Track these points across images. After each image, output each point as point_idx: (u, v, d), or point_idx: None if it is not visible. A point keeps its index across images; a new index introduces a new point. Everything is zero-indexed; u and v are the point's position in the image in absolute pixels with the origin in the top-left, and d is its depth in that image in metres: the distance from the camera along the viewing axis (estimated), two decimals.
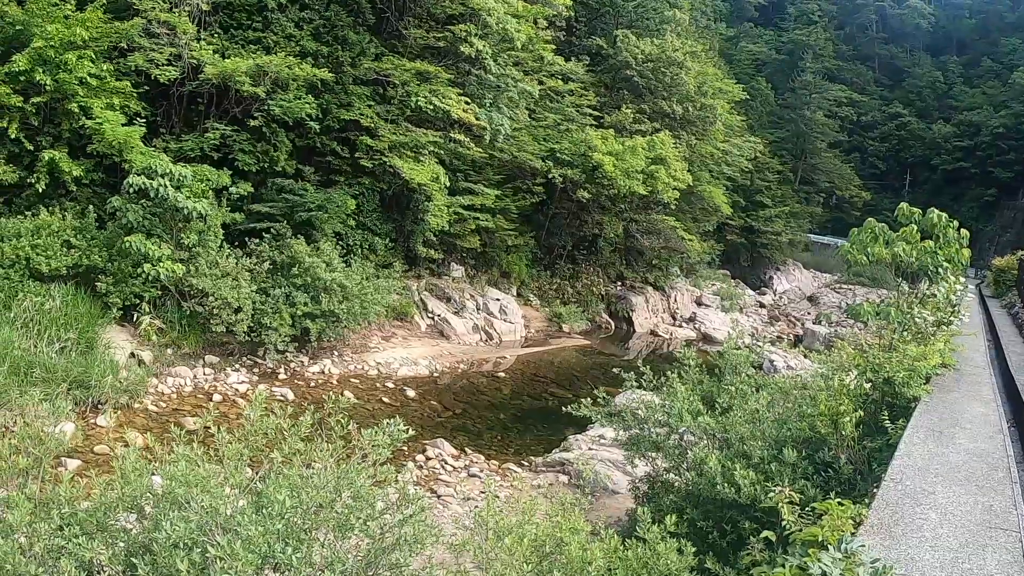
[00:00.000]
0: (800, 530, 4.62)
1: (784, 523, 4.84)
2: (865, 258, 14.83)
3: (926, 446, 6.68)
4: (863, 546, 3.82)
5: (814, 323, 40.08)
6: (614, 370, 11.42)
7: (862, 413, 7.25)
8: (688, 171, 33.65)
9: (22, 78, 17.56)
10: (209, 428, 5.63)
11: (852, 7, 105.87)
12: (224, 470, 5.24)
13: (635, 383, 10.34)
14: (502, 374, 23.87)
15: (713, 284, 43.01)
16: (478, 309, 27.44)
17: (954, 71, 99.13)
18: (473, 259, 29.08)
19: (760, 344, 32.21)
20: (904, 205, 15.37)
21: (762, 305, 46.89)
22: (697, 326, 35.82)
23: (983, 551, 4.44)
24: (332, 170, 23.83)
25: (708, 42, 56.68)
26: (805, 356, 24.46)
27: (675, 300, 37.53)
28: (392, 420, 5.81)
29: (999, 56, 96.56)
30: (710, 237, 43.54)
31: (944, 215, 14.88)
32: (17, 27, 18.23)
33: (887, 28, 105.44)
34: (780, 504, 5.03)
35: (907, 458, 6.24)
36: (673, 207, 34.09)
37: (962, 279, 14.82)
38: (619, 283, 35.21)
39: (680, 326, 35.62)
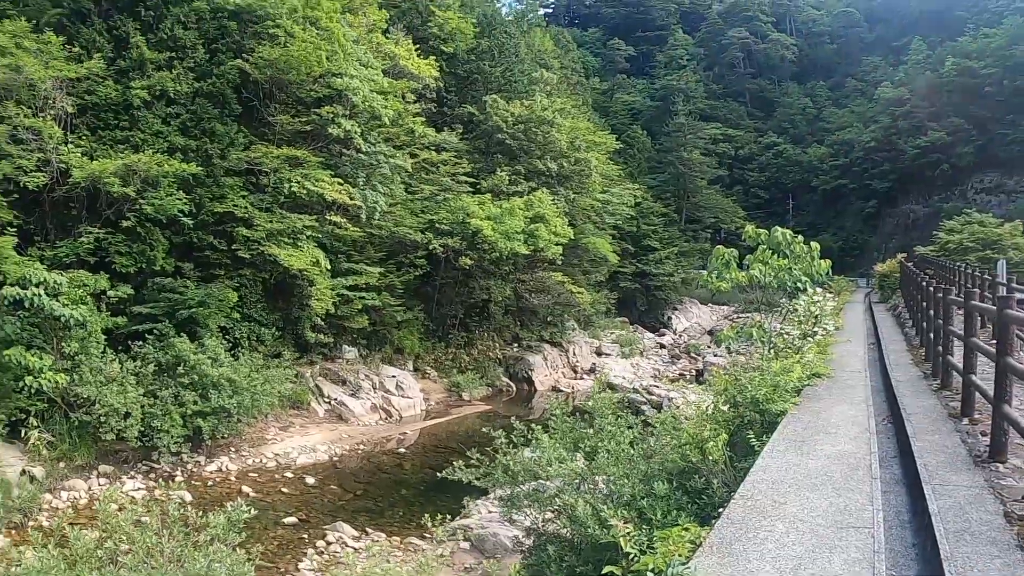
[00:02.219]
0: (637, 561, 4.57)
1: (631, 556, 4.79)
2: (725, 284, 15.23)
3: (784, 457, 6.71)
4: (689, 569, 3.78)
5: (714, 356, 40.86)
6: (481, 429, 11.41)
7: (727, 436, 7.32)
8: (570, 225, 34.22)
9: None
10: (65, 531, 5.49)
11: (718, 47, 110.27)
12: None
13: (504, 440, 10.35)
14: (403, 450, 23.58)
15: (612, 333, 43.50)
16: (374, 388, 27.12)
17: (822, 95, 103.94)
18: (364, 339, 28.79)
19: (657, 385, 33.03)
20: (750, 227, 15.89)
21: (662, 346, 47.54)
22: (598, 376, 36.03)
23: (831, 552, 4.42)
24: (212, 264, 23.40)
25: (581, 97, 58.22)
26: (705, 390, 24.86)
27: (574, 354, 37.80)
28: (242, 507, 5.66)
29: (862, 75, 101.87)
30: (603, 287, 44.14)
31: (788, 232, 15.43)
32: None
33: (754, 63, 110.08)
34: (618, 537, 5.00)
35: (762, 472, 6.23)
36: (559, 262, 34.51)
37: (818, 290, 15.34)
38: (515, 344, 35.30)
39: (581, 378, 35.82)
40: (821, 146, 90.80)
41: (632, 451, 9.06)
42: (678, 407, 23.15)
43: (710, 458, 7.04)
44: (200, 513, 9.38)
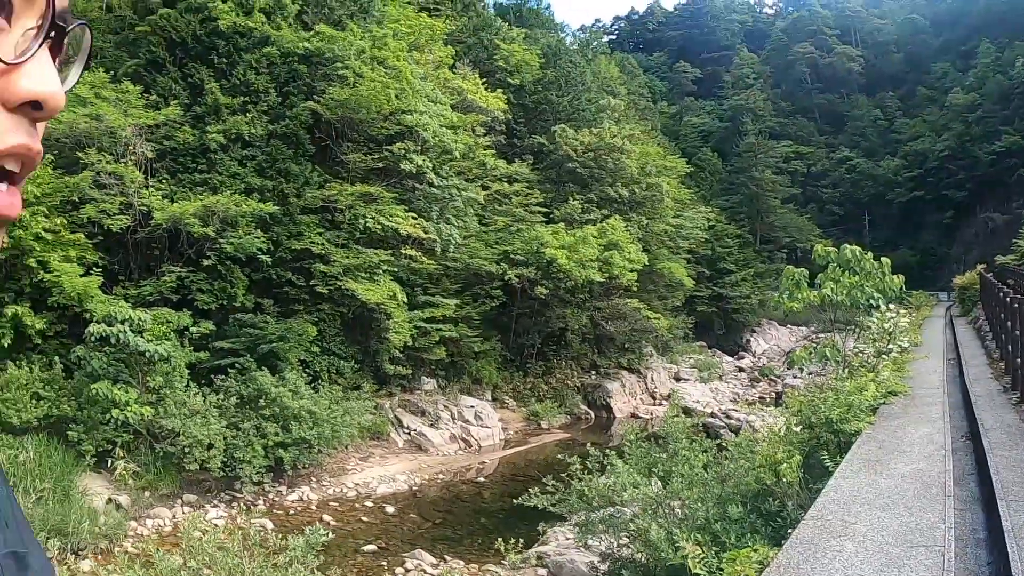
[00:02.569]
0: None
1: None
2: (797, 304, 14.98)
3: (857, 477, 6.60)
4: None
5: (793, 378, 40.10)
6: (558, 456, 11.44)
7: (801, 457, 7.22)
8: (644, 250, 34.10)
9: None
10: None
11: (784, 64, 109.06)
12: None
13: (578, 466, 10.35)
14: (482, 479, 23.66)
15: (690, 358, 43.04)
16: (453, 419, 27.25)
17: (892, 106, 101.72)
18: (443, 370, 29.00)
19: (736, 409, 32.48)
20: (819, 246, 15.65)
21: (741, 369, 46.85)
22: (672, 400, 35.60)
23: (899, 572, 4.37)
24: (291, 300, 23.92)
25: (649, 122, 58.10)
26: (782, 413, 24.43)
27: (652, 380, 37.47)
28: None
29: (932, 82, 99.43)
30: (680, 312, 43.76)
31: (857, 249, 15.13)
32: None
33: (821, 78, 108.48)
34: (687, 559, 4.98)
35: (834, 492, 6.17)
36: (635, 289, 34.36)
37: (891, 306, 14.98)
38: (593, 372, 35.15)
39: (660, 404, 35.41)
40: (894, 158, 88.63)
41: (706, 475, 8.99)
42: (755, 430, 22.84)
43: (784, 480, 6.95)
44: (281, 537, 9.59)
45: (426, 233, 25.16)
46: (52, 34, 0.70)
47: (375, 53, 26.44)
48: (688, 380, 39.35)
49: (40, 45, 0.69)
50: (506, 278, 29.26)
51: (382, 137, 25.99)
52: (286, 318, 23.14)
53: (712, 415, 30.92)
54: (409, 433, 25.75)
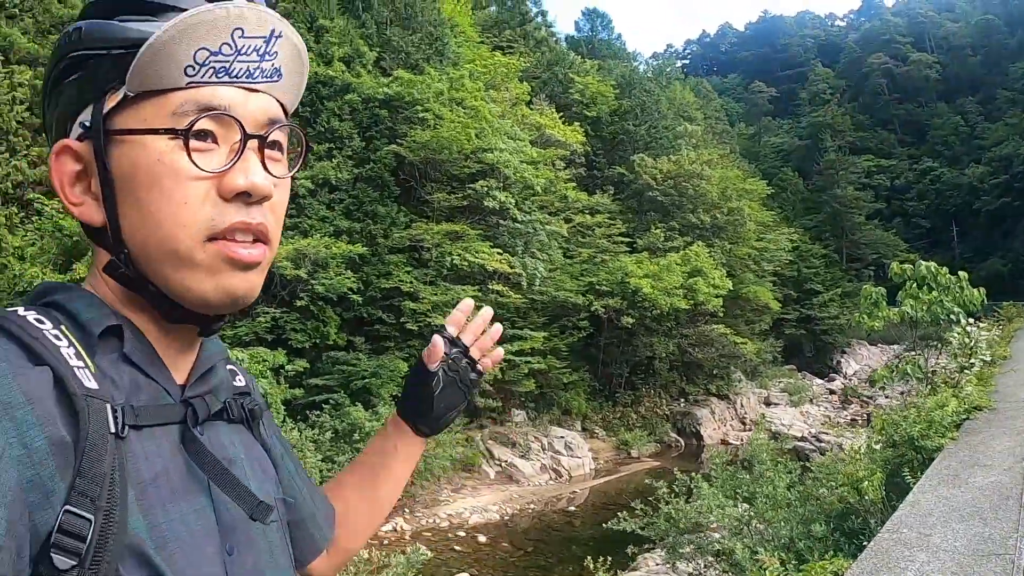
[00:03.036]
0: None
1: None
2: (878, 323, 14.87)
3: (936, 491, 6.65)
4: None
5: (884, 398, 39.25)
6: (647, 482, 11.57)
7: (882, 475, 7.27)
8: (729, 275, 33.92)
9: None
10: None
11: (860, 76, 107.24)
12: None
13: (665, 490, 10.50)
14: (573, 508, 23.81)
15: (779, 382, 42.47)
16: (544, 449, 27.46)
17: (973, 111, 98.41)
18: (532, 402, 29.26)
19: (827, 432, 31.94)
20: (894, 264, 15.54)
21: (832, 392, 45.97)
22: (767, 426, 35.21)
23: None
24: (382, 337, 24.52)
25: (728, 145, 57.76)
26: (870, 433, 24.05)
27: (741, 405, 37.08)
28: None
29: (1011, 84, 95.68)
30: (768, 335, 43.23)
31: (932, 265, 14.98)
32: (74, 238, 19.72)
33: (898, 88, 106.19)
34: (765, 572, 5.12)
35: (911, 506, 6.25)
36: (721, 314, 34.16)
37: (971, 320, 14.72)
38: (682, 400, 35.00)
39: (750, 430, 35.00)
40: (979, 165, 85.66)
41: (790, 495, 9.07)
42: (844, 451, 22.53)
43: (866, 498, 7.03)
44: (384, 554, 9.95)
45: (512, 268, 25.55)
46: (250, 142, 0.96)
47: (453, 94, 27.09)
48: (778, 404, 38.82)
49: (239, 156, 0.94)
50: (592, 309, 29.44)
51: (464, 176, 26.54)
52: (378, 355, 23.71)
53: (802, 439, 30.51)
54: (500, 464, 26.04)
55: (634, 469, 28.40)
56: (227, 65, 0.93)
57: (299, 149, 1.08)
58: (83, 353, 0.90)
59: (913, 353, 15.87)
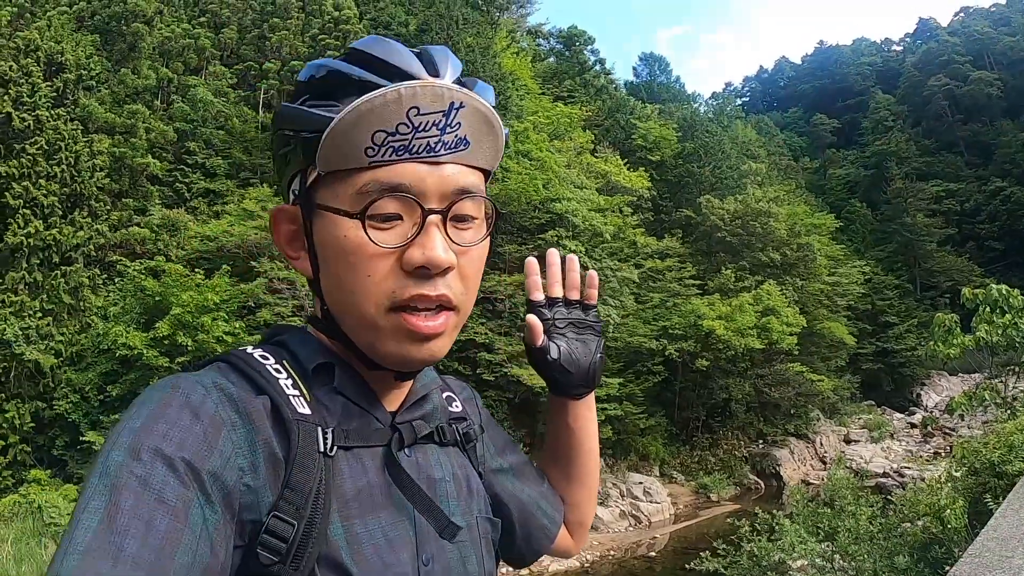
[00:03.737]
0: None
1: None
2: (953, 350, 14.62)
3: (1017, 515, 6.53)
4: None
5: (967, 428, 38.26)
6: (728, 522, 11.58)
7: (964, 503, 7.22)
8: (802, 312, 33.59)
9: (166, 341, 19.61)
10: None
11: (921, 100, 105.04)
12: None
13: (747, 528, 10.49)
14: (653, 554, 23.67)
15: (859, 418, 41.72)
16: (622, 496, 27.39)
17: None
18: (610, 448, 29.20)
19: (908, 467, 31.23)
20: (966, 290, 15.28)
21: (913, 425, 44.93)
22: (848, 464, 34.62)
23: None
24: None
25: (794, 181, 57.38)
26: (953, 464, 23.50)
27: (821, 444, 36.50)
28: None
29: None
30: (845, 371, 42.58)
31: (1003, 287, 14.67)
32: (156, 298, 20.58)
33: (961, 108, 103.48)
34: None
35: (992, 531, 6.13)
36: (796, 352, 33.81)
37: None
38: (760, 441, 34.58)
39: (830, 468, 34.50)
40: None
41: (872, 527, 9.02)
42: (926, 482, 22.02)
43: (949, 526, 7.00)
44: None
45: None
46: (432, 216, 1.02)
47: (519, 147, 27.55)
48: (859, 441, 38.12)
49: (419, 231, 1.01)
50: (666, 353, 29.40)
51: (534, 226, 26.87)
52: (466, 387, 23.96)
53: (884, 475, 29.92)
54: None
55: (714, 513, 28.15)
56: (406, 143, 0.99)
57: (490, 214, 1.13)
58: (300, 384, 1.05)
59: (993, 380, 15.58)
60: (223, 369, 1.03)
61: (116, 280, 23.03)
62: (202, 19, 33.54)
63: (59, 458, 20.16)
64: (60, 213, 21.39)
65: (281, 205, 1.14)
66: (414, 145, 1.00)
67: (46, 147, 21.28)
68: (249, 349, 1.08)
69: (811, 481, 32.74)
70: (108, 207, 23.97)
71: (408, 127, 0.99)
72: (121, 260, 22.96)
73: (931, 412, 49.52)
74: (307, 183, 1.06)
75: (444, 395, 1.32)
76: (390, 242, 1.01)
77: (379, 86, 1.00)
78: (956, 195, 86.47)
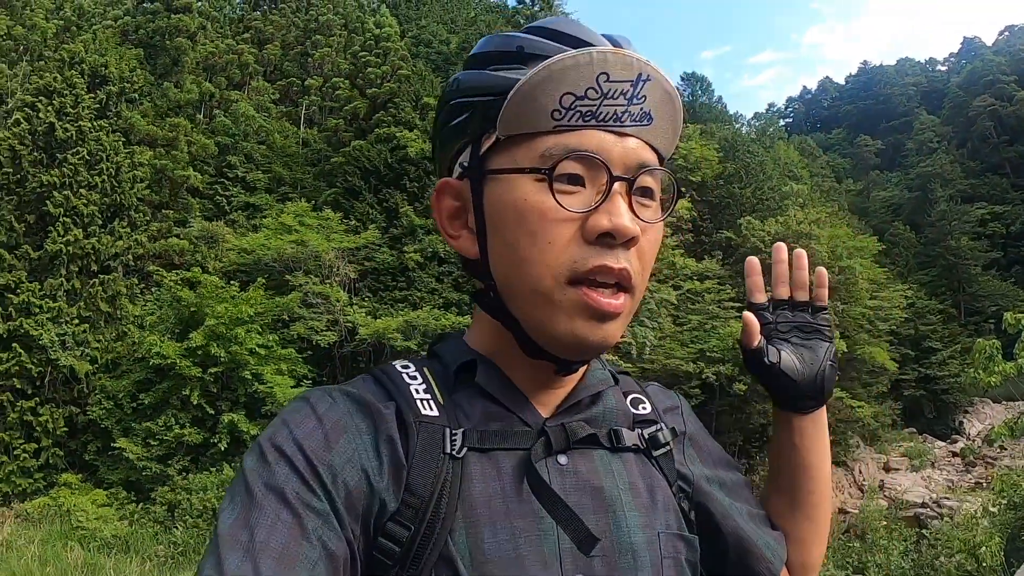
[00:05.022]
0: None
1: None
2: (995, 378, 14.20)
3: None
4: None
5: (1010, 458, 37.37)
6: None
7: (1001, 539, 6.93)
8: (843, 337, 33.04)
9: (200, 352, 19.81)
10: None
11: (966, 121, 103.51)
12: None
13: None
14: None
15: (899, 446, 40.98)
16: None
17: None
18: None
19: (948, 497, 30.54)
20: (1008, 315, 14.85)
21: (955, 454, 44.07)
22: (886, 493, 33.98)
23: None
24: None
25: (836, 203, 56.68)
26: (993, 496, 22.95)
27: (860, 472, 35.86)
28: None
29: None
30: (886, 398, 41.87)
31: None
32: (192, 309, 20.75)
33: (1006, 129, 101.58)
34: None
35: None
36: (836, 377, 33.18)
37: None
38: None
39: (872, 500, 33.84)
40: None
41: (904, 563, 8.72)
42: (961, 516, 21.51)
43: (984, 564, 6.70)
44: None
45: (621, 337, 25.42)
46: (617, 184, 0.98)
47: None
48: (898, 470, 37.46)
49: (605, 197, 0.97)
50: (704, 376, 29.04)
51: None
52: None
53: (923, 505, 29.32)
54: None
55: None
56: (594, 109, 0.96)
57: (671, 194, 1.09)
58: (434, 387, 1.03)
59: None
60: (364, 380, 1.06)
61: (153, 290, 23.28)
62: (246, 35, 33.99)
63: (90, 463, 20.55)
64: (100, 222, 21.80)
65: (447, 178, 1.10)
66: (602, 112, 0.97)
67: (88, 157, 21.70)
68: (399, 361, 1.10)
69: (848, 510, 32.13)
70: (148, 218, 24.30)
71: (597, 92, 0.96)
72: (159, 271, 23.22)
73: (973, 440, 48.54)
74: (480, 152, 1.02)
75: (629, 397, 1.22)
76: (575, 206, 0.97)
77: (565, 49, 0.97)
78: (1002, 217, 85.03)
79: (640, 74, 0.98)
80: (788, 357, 1.29)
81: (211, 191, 27.70)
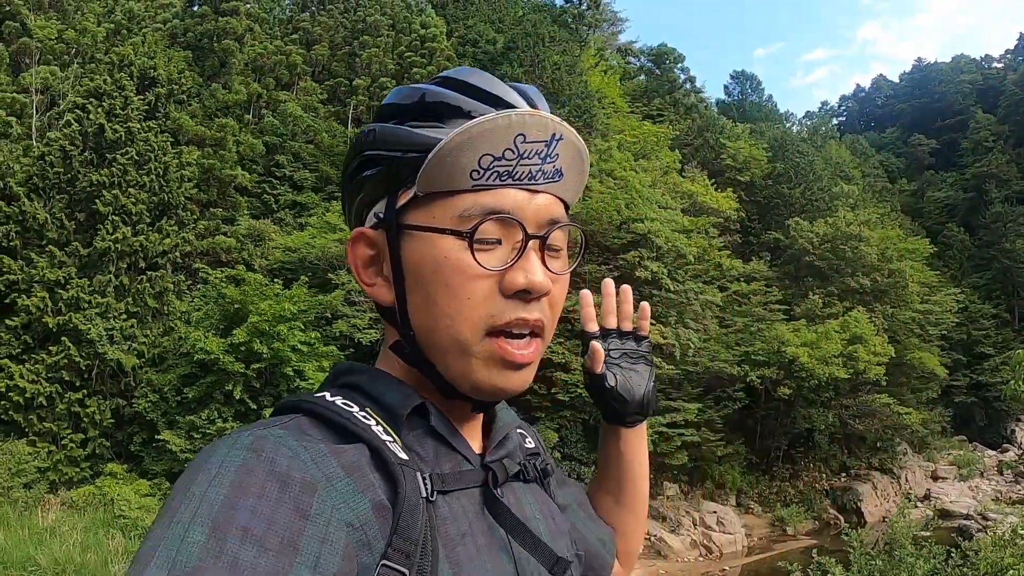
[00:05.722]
0: None
1: None
2: None
3: None
4: None
5: None
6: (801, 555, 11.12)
7: None
8: (892, 341, 32.46)
9: (243, 348, 20.02)
10: None
11: (1022, 119, 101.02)
12: None
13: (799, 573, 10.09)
14: None
15: (948, 454, 40.19)
16: (695, 524, 26.84)
17: None
18: (685, 475, 28.69)
19: (995, 510, 29.74)
20: None
21: (1006, 464, 43.12)
22: (932, 503, 33.31)
23: None
24: (533, 407, 24.67)
25: (889, 204, 55.77)
26: None
27: (906, 480, 35.21)
28: None
29: None
30: (936, 404, 41.07)
31: None
32: (236, 306, 21.02)
33: None
34: None
35: None
36: (884, 383, 32.67)
37: None
38: (842, 474, 33.52)
39: (915, 506, 33.04)
40: None
41: None
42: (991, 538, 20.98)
43: None
44: None
45: (665, 338, 25.33)
46: (531, 241, 1.03)
47: (602, 166, 27.35)
48: (946, 479, 36.72)
49: (520, 255, 1.02)
50: (748, 380, 28.75)
51: (616, 246, 26.62)
52: (529, 424, 23.85)
53: (967, 517, 28.69)
54: (649, 539, 25.50)
55: (789, 547, 27.31)
56: (510, 169, 1.01)
57: (578, 245, 1.15)
58: (390, 430, 1.01)
59: None
60: (304, 423, 0.98)
61: (200, 286, 23.69)
62: (294, 36, 34.36)
63: (136, 454, 21.01)
64: (148, 220, 22.23)
65: (361, 228, 1.11)
66: (517, 172, 1.02)
67: (136, 157, 22.16)
68: (328, 396, 1.04)
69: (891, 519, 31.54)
70: (196, 216, 24.68)
71: (513, 153, 1.01)
72: (205, 268, 23.61)
73: None
74: (397, 205, 1.05)
75: (518, 431, 1.29)
76: (492, 264, 1.02)
77: (484, 113, 1.01)
78: None
79: (554, 134, 1.03)
80: (622, 380, 1.42)
81: (259, 190, 28.08)
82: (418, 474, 0.98)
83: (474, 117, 1.00)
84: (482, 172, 1.00)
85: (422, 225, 1.03)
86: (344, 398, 1.04)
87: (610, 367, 1.43)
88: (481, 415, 1.17)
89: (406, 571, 0.90)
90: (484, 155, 0.99)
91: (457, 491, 1.04)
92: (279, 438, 0.91)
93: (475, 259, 1.00)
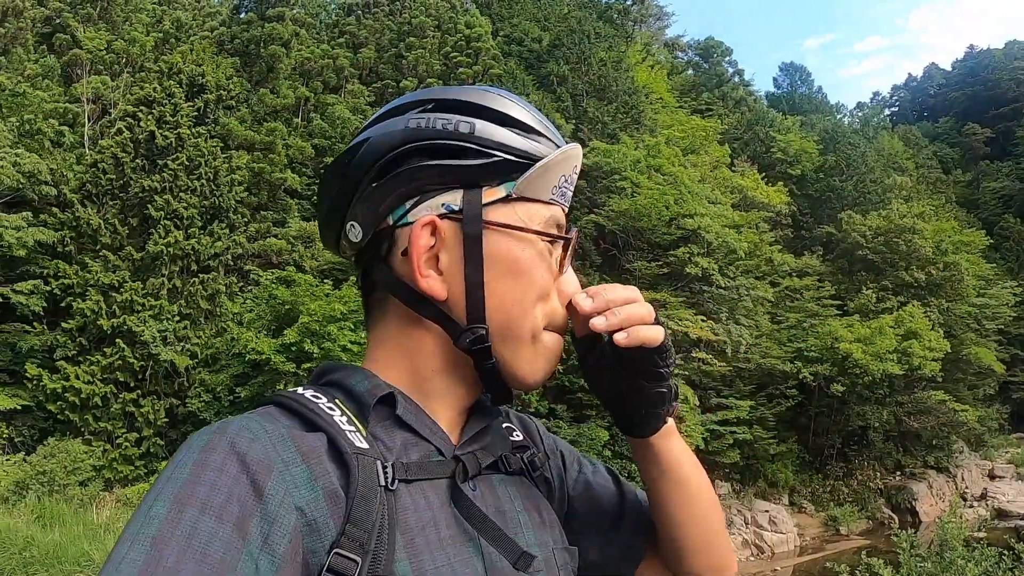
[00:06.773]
0: None
1: None
2: None
3: None
4: None
5: None
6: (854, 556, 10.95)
7: None
8: (947, 336, 31.80)
9: (294, 348, 20.25)
10: None
11: None
12: None
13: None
14: None
15: (1005, 452, 39.29)
16: (746, 524, 26.58)
17: None
18: (737, 473, 28.43)
19: None
20: None
21: None
22: (989, 503, 32.58)
23: None
24: (583, 405, 24.60)
25: (943, 195, 54.76)
26: None
27: (962, 479, 34.43)
28: None
29: None
30: (993, 401, 40.19)
31: None
32: (286, 306, 21.35)
33: None
34: None
35: None
36: (939, 379, 32.04)
37: None
38: (897, 473, 32.92)
39: (971, 506, 32.39)
40: None
41: None
42: None
43: None
44: None
45: (716, 335, 25.14)
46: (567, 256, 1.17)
47: (650, 162, 27.19)
48: (1003, 477, 35.85)
49: (567, 265, 1.17)
50: (801, 376, 28.33)
51: (666, 242, 26.48)
52: (579, 423, 23.89)
53: (950, 520, 28.02)
54: None
55: (842, 547, 26.90)
56: (565, 191, 1.16)
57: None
58: (355, 420, 1.02)
59: None
60: (273, 412, 1.02)
61: (251, 288, 24.00)
62: (340, 40, 34.67)
63: None
64: (199, 224, 22.61)
65: (430, 216, 1.09)
66: (566, 194, 1.17)
67: (187, 163, 22.58)
68: (299, 390, 1.07)
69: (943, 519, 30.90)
70: (247, 219, 25.00)
71: (567, 179, 1.16)
72: (256, 270, 23.91)
73: None
74: (483, 201, 1.09)
75: (504, 425, 1.30)
76: (557, 270, 1.15)
77: (549, 137, 1.15)
78: None
79: (576, 164, 1.17)
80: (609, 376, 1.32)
81: (308, 192, 28.36)
82: (378, 463, 0.98)
83: (543, 141, 1.12)
84: (556, 190, 1.13)
85: (513, 224, 1.09)
86: (316, 391, 1.06)
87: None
88: (469, 412, 1.19)
89: (359, 559, 0.90)
90: (562, 175, 1.13)
91: (422, 481, 1.04)
92: (244, 422, 0.95)
93: (558, 264, 1.14)
